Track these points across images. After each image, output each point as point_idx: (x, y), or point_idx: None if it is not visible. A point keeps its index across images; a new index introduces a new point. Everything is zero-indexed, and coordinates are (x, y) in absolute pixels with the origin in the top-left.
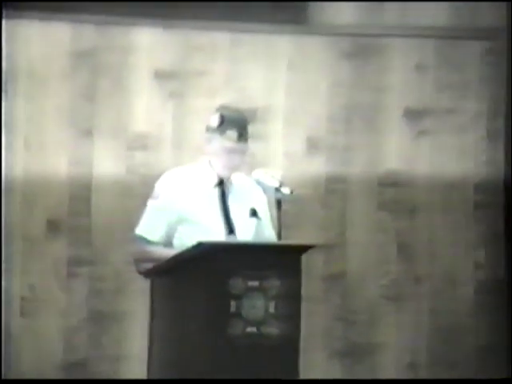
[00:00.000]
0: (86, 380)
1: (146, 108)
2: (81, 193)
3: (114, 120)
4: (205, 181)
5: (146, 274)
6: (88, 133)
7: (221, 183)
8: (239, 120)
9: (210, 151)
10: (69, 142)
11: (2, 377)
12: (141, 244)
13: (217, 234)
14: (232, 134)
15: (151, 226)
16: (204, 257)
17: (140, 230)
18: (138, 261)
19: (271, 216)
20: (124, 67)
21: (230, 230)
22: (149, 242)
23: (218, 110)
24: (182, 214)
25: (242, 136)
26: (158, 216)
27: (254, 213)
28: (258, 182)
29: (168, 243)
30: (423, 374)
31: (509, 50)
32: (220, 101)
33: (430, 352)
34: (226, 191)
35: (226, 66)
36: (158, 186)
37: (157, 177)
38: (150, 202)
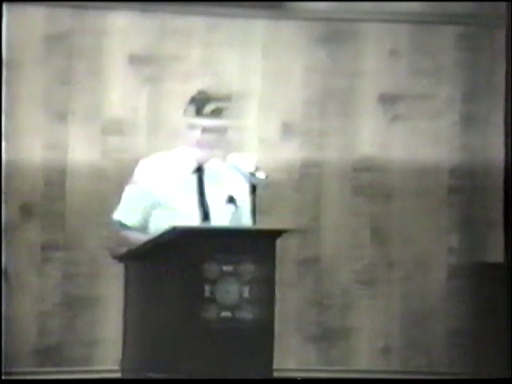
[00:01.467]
0: (87, 380)
1: (121, 92)
2: (55, 177)
3: (89, 104)
4: (183, 167)
5: (120, 258)
6: (62, 117)
7: (199, 169)
8: (211, 97)
9: (186, 135)
10: (43, 126)
11: (2, 376)
12: (117, 228)
13: (192, 219)
14: (205, 110)
15: (128, 211)
16: (178, 241)
17: (117, 215)
18: (114, 245)
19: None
20: (99, 51)
21: (206, 216)
22: (125, 227)
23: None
24: (158, 200)
25: (215, 112)
26: (135, 201)
27: (231, 199)
28: (233, 167)
29: (145, 228)
30: (396, 358)
31: (508, 49)
32: (195, 85)
33: (402, 336)
34: (204, 177)
35: (201, 51)
36: (137, 172)
37: (132, 161)
38: (127, 187)
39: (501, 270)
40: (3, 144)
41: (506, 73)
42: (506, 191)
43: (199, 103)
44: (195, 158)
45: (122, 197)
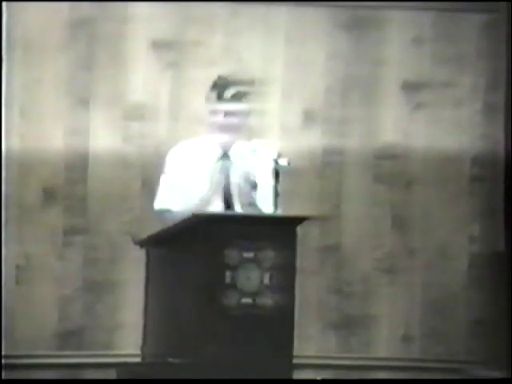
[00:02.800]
0: (87, 380)
1: (143, 78)
2: (77, 162)
3: (111, 90)
4: (209, 154)
5: (142, 244)
6: (85, 102)
7: (224, 156)
8: (232, 82)
9: (209, 121)
10: (65, 111)
11: (2, 376)
12: (162, 218)
13: (216, 206)
14: (226, 94)
15: (167, 197)
16: (199, 228)
17: (158, 204)
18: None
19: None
20: (121, 37)
21: (228, 203)
22: (169, 212)
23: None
24: (187, 187)
25: (236, 96)
26: (171, 187)
27: (254, 185)
28: (257, 153)
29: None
30: (416, 346)
31: (508, 48)
32: (217, 72)
33: (423, 324)
34: (229, 164)
35: (223, 37)
36: (168, 161)
37: (153, 147)
38: (161, 177)
39: None
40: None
41: (507, 73)
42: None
43: (220, 88)
44: (219, 143)
45: (159, 187)
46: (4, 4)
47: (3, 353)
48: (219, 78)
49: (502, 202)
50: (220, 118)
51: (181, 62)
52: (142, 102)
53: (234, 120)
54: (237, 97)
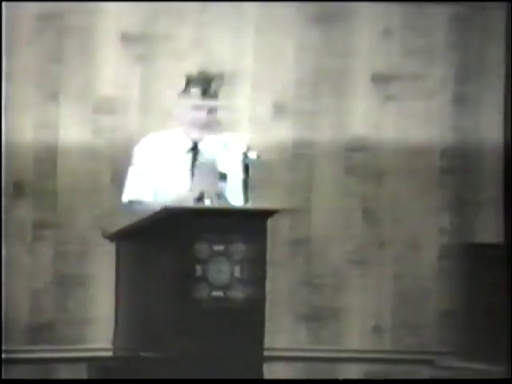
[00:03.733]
0: (87, 380)
1: (112, 71)
2: (47, 156)
3: (81, 83)
4: (178, 146)
5: (112, 237)
6: (54, 96)
7: (193, 148)
8: (203, 77)
9: (178, 115)
10: (35, 104)
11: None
12: (131, 209)
13: (186, 199)
14: (196, 90)
15: (135, 188)
16: (169, 221)
17: (126, 196)
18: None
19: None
20: (91, 30)
21: (199, 195)
22: (137, 203)
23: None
24: (156, 179)
25: (207, 92)
26: (140, 178)
27: (223, 177)
28: (226, 146)
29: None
30: (387, 338)
31: (508, 48)
32: (187, 65)
33: (393, 316)
34: (198, 156)
35: (193, 30)
36: (136, 153)
37: (123, 140)
38: (129, 169)
39: (491, 250)
40: None
41: (506, 74)
42: (505, 172)
43: (204, 84)
44: (192, 137)
45: (127, 179)
46: (4, 4)
47: None
48: (201, 73)
49: (471, 193)
50: (203, 115)
51: (150, 55)
52: (112, 96)
53: (215, 116)
54: (217, 93)
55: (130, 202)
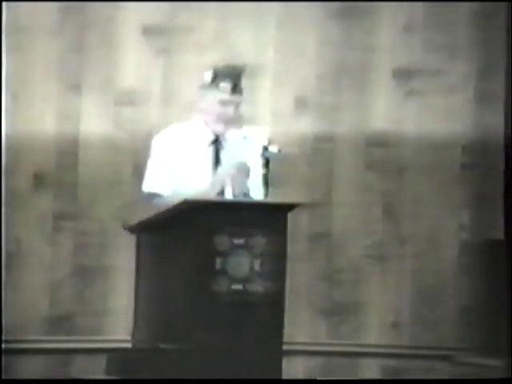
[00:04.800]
0: (88, 380)
1: (134, 63)
2: (68, 147)
3: (102, 75)
4: (199, 139)
5: (132, 229)
6: (76, 87)
7: (215, 141)
8: (232, 72)
9: (204, 108)
10: (56, 96)
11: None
12: (149, 201)
13: (206, 192)
14: (226, 86)
15: (155, 180)
16: (190, 214)
17: (146, 187)
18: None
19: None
20: (113, 22)
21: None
22: (156, 195)
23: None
24: (176, 172)
25: (236, 87)
26: (159, 171)
27: (248, 174)
28: (247, 140)
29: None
30: (405, 333)
31: (509, 48)
32: (209, 57)
33: (413, 312)
34: (220, 149)
35: (215, 23)
36: (154, 145)
37: (144, 133)
38: (149, 161)
39: (511, 247)
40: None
41: (506, 74)
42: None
43: (235, 79)
44: (215, 130)
45: (146, 170)
46: (4, 4)
47: None
48: (230, 67)
49: (492, 189)
50: (230, 111)
51: (172, 47)
52: (134, 88)
53: (231, 112)
54: (242, 88)
55: (150, 195)
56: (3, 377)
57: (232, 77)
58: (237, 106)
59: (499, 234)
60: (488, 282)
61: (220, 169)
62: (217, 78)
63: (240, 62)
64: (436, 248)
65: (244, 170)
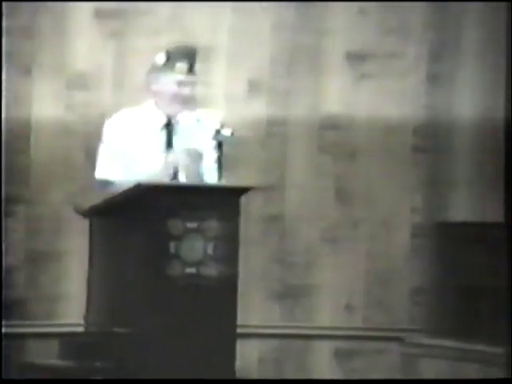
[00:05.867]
0: (88, 380)
1: (86, 47)
2: (20, 131)
3: (54, 59)
4: (152, 122)
5: (85, 214)
6: (27, 71)
7: (168, 124)
8: (188, 52)
9: (156, 90)
10: (8, 80)
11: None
12: (103, 188)
13: (159, 176)
14: (182, 66)
15: (110, 168)
16: (143, 198)
17: (99, 174)
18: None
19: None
20: (65, 5)
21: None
22: (109, 182)
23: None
24: (128, 156)
25: (192, 68)
26: (112, 157)
27: (200, 157)
28: (199, 123)
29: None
30: (359, 315)
31: (508, 51)
32: (162, 41)
33: (366, 294)
34: (173, 132)
35: (169, 6)
36: (106, 129)
37: (97, 117)
38: (100, 146)
39: (462, 229)
40: None
41: (506, 74)
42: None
43: (190, 59)
44: (170, 112)
45: (98, 156)
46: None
47: None
48: (185, 48)
49: (443, 172)
50: (187, 90)
51: (125, 30)
52: (86, 71)
53: (187, 92)
54: (192, 69)
55: (103, 182)
56: None
57: (188, 57)
58: (192, 86)
59: (451, 216)
60: (439, 264)
61: (170, 153)
62: (171, 58)
63: (193, 44)
64: (388, 230)
65: (194, 156)
